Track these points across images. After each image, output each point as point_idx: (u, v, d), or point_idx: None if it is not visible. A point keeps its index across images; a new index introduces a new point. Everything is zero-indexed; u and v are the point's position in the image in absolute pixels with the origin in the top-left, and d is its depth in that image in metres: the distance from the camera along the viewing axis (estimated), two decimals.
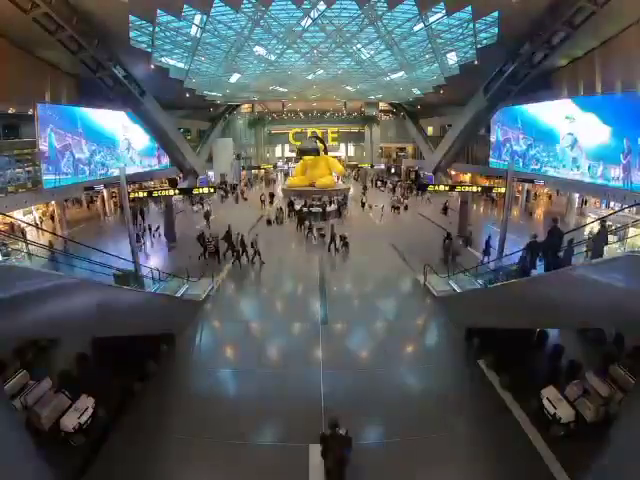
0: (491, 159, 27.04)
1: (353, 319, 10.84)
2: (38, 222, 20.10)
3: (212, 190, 20.03)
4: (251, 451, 6.20)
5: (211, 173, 35.79)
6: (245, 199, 30.11)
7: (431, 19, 16.81)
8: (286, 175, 41.88)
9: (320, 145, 29.58)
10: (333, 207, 23.35)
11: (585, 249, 8.31)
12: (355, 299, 12.31)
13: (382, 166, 44.33)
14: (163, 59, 20.19)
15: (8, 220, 16.92)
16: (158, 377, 8.08)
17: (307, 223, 19.08)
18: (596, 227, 16.11)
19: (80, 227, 21.54)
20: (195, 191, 19.14)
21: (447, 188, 17.31)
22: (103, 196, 25.49)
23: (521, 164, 22.11)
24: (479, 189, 19.08)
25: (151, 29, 16.42)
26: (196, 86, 26.59)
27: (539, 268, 8.36)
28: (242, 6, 15.30)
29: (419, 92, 31.17)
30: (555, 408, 6.40)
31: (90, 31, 14.34)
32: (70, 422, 6.20)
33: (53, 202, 20.64)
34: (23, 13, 12.03)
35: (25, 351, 8.29)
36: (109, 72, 15.59)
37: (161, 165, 29.39)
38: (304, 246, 18.04)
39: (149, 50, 18.03)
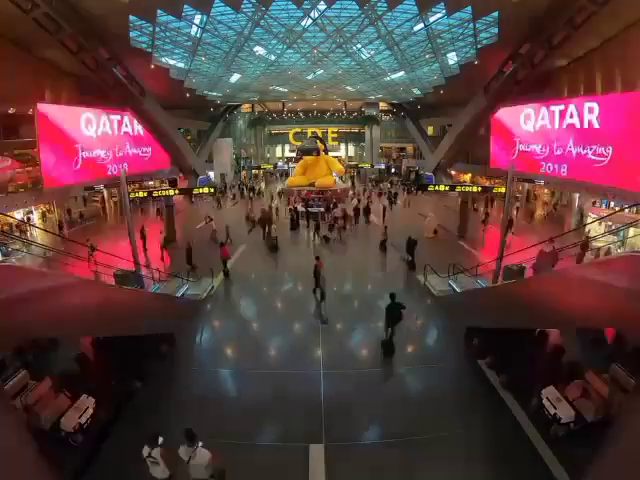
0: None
1: (353, 319, 10.84)
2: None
3: (212, 190, 20.05)
4: (251, 451, 6.20)
5: (211, 173, 35.81)
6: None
7: (431, 19, 16.81)
8: (286, 175, 41.91)
9: (320, 145, 29.60)
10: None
11: None
12: (355, 299, 12.31)
13: (382, 166, 44.33)
14: (163, 59, 20.19)
15: (9, 220, 16.95)
16: (158, 377, 8.08)
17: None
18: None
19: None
20: (195, 191, 19.19)
21: (447, 188, 17.32)
22: (103, 196, 25.54)
23: None
24: (479, 189, 19.08)
25: (151, 29, 16.42)
26: (196, 86, 26.59)
27: None
28: (242, 6, 15.30)
29: (419, 92, 31.17)
30: (555, 408, 6.40)
31: (90, 31, 14.32)
32: (70, 422, 6.20)
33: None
34: (23, 13, 12.03)
35: (25, 351, 8.29)
36: (109, 72, 15.57)
37: None
38: (303, 247, 18.05)
39: (149, 50, 18.03)
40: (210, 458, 5.07)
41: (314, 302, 11.65)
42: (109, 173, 22.71)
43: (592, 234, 14.86)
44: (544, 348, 8.84)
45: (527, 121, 20.82)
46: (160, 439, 5.20)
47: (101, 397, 6.89)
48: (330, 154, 33.02)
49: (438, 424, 6.68)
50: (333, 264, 15.20)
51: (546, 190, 25.29)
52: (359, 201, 24.45)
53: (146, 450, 5.24)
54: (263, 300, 12.37)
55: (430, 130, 38.34)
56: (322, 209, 23.23)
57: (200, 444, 5.10)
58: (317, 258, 12.00)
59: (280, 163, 46.34)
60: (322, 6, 15.82)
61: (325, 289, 11.22)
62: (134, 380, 7.68)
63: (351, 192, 29.37)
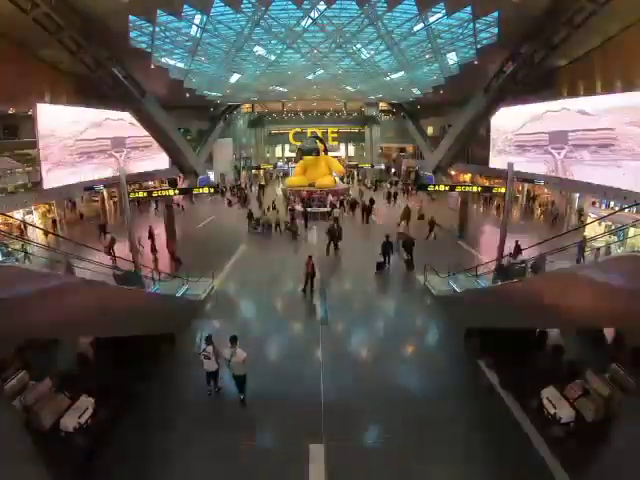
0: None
1: (353, 319, 10.84)
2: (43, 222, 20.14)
3: (212, 190, 20.04)
4: (251, 451, 6.20)
5: (211, 173, 35.77)
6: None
7: (431, 19, 16.78)
8: (286, 175, 41.92)
9: (320, 145, 29.59)
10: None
11: None
12: (355, 299, 12.31)
13: (382, 166, 44.29)
14: (163, 59, 20.16)
15: (9, 220, 16.95)
16: (158, 377, 8.09)
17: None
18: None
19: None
20: (195, 191, 19.16)
21: (447, 188, 17.31)
22: (103, 196, 25.55)
23: None
24: (479, 189, 19.09)
25: (151, 29, 16.40)
26: (196, 86, 26.54)
27: None
28: (242, 6, 15.28)
29: (419, 92, 31.13)
30: (555, 408, 6.40)
31: (90, 31, 14.29)
32: (70, 422, 6.20)
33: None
34: (23, 13, 12.01)
35: (25, 351, 8.28)
36: (109, 72, 15.52)
37: None
38: (303, 247, 18.04)
39: (149, 50, 18.01)
40: (245, 357, 7.11)
41: (316, 302, 11.69)
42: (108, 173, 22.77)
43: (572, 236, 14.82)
44: (544, 348, 8.85)
45: None
46: (213, 341, 7.42)
47: (101, 397, 6.88)
48: (330, 154, 32.99)
49: (438, 424, 6.69)
50: (332, 263, 15.23)
51: (546, 190, 25.31)
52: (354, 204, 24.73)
53: (202, 347, 7.46)
54: (263, 300, 12.36)
55: (430, 130, 38.30)
56: (327, 209, 23.22)
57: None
58: (310, 257, 12.43)
59: (280, 163, 46.29)
60: (322, 6, 15.79)
61: (320, 286, 11.49)
62: (134, 380, 7.67)
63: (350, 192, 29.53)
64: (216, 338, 10.14)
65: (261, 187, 36.38)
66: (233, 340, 7.25)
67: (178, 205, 28.33)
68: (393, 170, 44.66)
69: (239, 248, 17.43)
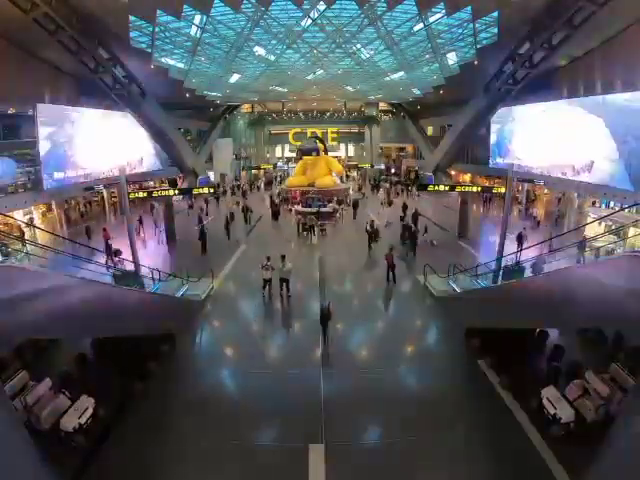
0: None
1: (353, 319, 10.83)
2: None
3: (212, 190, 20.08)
4: (251, 451, 6.20)
5: (211, 173, 35.78)
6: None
7: (431, 19, 16.78)
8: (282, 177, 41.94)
9: (320, 145, 29.61)
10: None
11: None
12: (355, 299, 12.31)
13: (382, 166, 44.30)
14: (163, 59, 20.15)
15: (9, 220, 16.94)
16: (158, 377, 8.08)
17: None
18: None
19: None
20: (195, 191, 19.19)
21: (447, 188, 17.34)
22: (103, 197, 25.54)
23: None
24: (479, 189, 19.12)
25: (151, 29, 16.39)
26: (196, 86, 26.54)
27: None
28: (242, 6, 15.28)
29: (419, 92, 31.13)
30: (555, 408, 6.40)
31: (90, 31, 14.30)
32: (70, 422, 6.20)
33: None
34: (23, 13, 12.02)
35: (25, 351, 8.29)
36: (109, 72, 15.53)
37: None
38: (303, 246, 18.05)
39: (149, 50, 18.01)
40: (291, 267, 11.56)
41: (315, 301, 11.67)
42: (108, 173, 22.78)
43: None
44: (544, 348, 8.85)
45: None
46: (269, 257, 11.48)
47: (101, 397, 6.89)
48: (330, 154, 32.97)
49: (438, 424, 6.69)
50: (333, 260, 15.22)
51: (546, 190, 25.30)
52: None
53: (264, 261, 11.44)
54: (264, 299, 12.34)
55: (430, 130, 38.31)
56: (329, 209, 23.09)
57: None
58: (391, 248, 13.26)
59: (280, 163, 46.27)
60: (322, 6, 15.79)
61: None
62: (134, 380, 7.68)
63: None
64: (216, 339, 10.31)
65: (269, 184, 38.15)
66: (283, 257, 11.41)
67: (198, 208, 24.40)
68: (393, 170, 44.66)
69: (239, 248, 17.42)
